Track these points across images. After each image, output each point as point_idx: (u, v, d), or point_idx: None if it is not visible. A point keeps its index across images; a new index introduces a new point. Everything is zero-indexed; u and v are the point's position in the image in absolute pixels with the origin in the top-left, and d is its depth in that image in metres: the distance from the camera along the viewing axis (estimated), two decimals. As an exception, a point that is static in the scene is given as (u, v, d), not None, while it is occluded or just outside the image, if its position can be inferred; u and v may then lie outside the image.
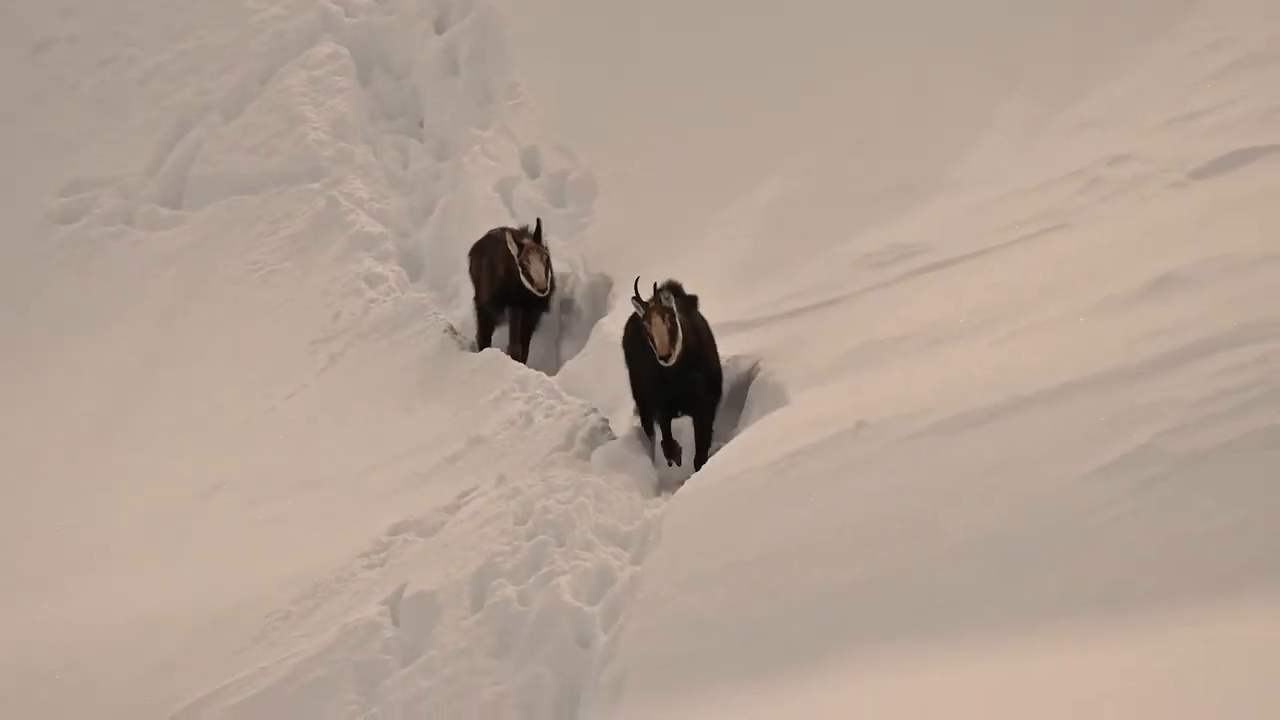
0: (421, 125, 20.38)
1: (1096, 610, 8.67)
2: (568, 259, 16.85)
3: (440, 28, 21.07)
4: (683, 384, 12.87)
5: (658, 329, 12.65)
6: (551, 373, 15.32)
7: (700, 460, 12.89)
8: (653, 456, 13.32)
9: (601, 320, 15.55)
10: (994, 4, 17.40)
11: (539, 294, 15.23)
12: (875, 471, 10.38)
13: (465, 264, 16.74)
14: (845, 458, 10.61)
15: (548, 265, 15.35)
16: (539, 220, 15.44)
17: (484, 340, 16.13)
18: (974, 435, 10.18)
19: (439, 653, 11.08)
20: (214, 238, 19.51)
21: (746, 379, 13.47)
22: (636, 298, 12.79)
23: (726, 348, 13.72)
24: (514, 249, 15.23)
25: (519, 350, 15.74)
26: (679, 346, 12.68)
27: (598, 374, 14.93)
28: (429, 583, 11.66)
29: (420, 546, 12.41)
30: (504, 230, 15.92)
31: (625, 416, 13.88)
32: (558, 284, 15.94)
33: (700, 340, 12.98)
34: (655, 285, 12.93)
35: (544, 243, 15.53)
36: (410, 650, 11.23)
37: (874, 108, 17.22)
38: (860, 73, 17.76)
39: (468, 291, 16.79)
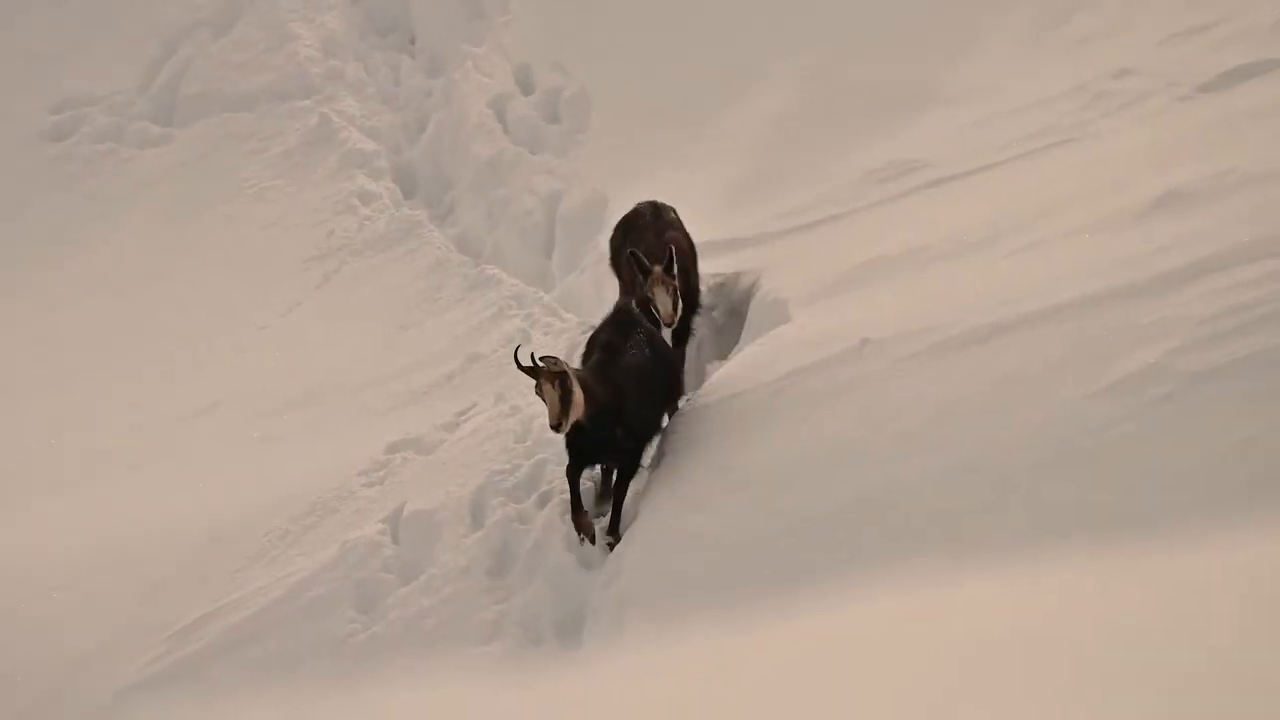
0: (413, 42, 20.24)
1: (1099, 530, 8.63)
2: (562, 176, 16.75)
3: (430, -58, 20.90)
4: (599, 441, 11.07)
5: (549, 396, 10.77)
6: (549, 290, 15.24)
7: (614, 520, 11.02)
8: None
9: (598, 237, 15.45)
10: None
11: (667, 325, 13.25)
12: (878, 389, 10.30)
13: (459, 179, 16.54)
14: (848, 375, 10.54)
15: (675, 297, 12.39)
16: (671, 251, 12.36)
17: None
18: (979, 352, 10.11)
19: (439, 571, 11.03)
20: (205, 155, 19.41)
21: (747, 296, 13.37)
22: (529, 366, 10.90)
23: (727, 264, 13.61)
24: (640, 278, 12.41)
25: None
26: (572, 415, 10.77)
27: (595, 290, 14.85)
28: (428, 501, 11.61)
29: (419, 465, 12.35)
30: (646, 214, 13.14)
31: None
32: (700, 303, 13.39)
33: (620, 393, 11.17)
34: (532, 355, 11.00)
35: (673, 272, 12.45)
36: (410, 568, 11.19)
37: (871, 19, 17.10)
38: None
39: (462, 209, 16.65)
